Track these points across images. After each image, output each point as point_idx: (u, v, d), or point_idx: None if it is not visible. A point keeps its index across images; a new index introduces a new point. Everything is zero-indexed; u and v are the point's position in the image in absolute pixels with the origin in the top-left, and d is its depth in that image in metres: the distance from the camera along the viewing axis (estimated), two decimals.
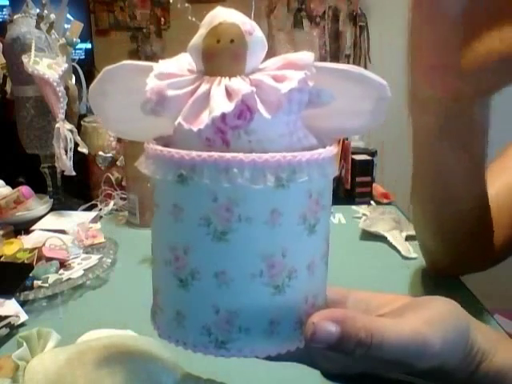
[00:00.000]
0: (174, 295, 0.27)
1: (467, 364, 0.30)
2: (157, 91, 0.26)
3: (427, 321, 0.28)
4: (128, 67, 0.29)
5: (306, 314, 0.27)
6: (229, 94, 0.25)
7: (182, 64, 0.28)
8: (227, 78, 0.26)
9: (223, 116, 0.25)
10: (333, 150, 0.27)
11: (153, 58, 2.80)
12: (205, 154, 0.24)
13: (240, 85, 0.25)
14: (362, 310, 0.32)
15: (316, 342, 0.26)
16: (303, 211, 0.26)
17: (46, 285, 0.60)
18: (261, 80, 0.26)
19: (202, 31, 0.27)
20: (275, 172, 0.25)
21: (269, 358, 0.28)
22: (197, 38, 0.27)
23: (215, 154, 0.24)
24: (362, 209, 0.94)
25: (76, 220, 0.80)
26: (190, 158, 0.25)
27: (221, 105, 0.24)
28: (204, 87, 0.26)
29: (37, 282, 0.61)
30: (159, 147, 0.26)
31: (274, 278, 0.26)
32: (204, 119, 0.25)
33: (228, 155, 0.24)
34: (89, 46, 2.37)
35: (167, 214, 0.27)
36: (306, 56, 0.27)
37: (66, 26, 0.92)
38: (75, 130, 0.84)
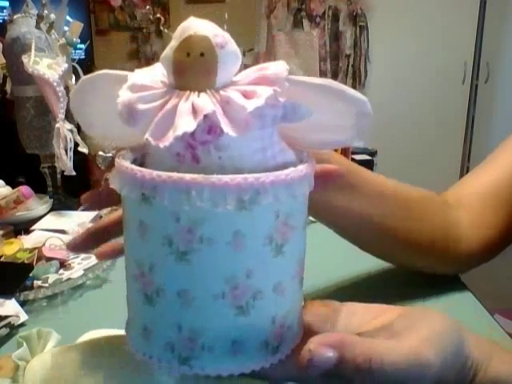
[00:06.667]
0: (140, 310, 0.27)
1: (463, 377, 0.30)
2: (127, 104, 0.25)
3: (426, 340, 0.28)
4: (105, 76, 0.29)
5: (274, 334, 0.27)
6: (195, 111, 0.24)
7: (156, 75, 0.27)
8: (196, 93, 0.25)
9: (192, 132, 0.24)
10: (306, 168, 0.26)
11: (153, 58, 2.80)
12: (164, 175, 0.24)
13: (205, 103, 0.24)
14: (355, 323, 0.31)
15: (313, 368, 0.25)
16: (269, 232, 0.25)
17: (46, 285, 0.60)
18: (229, 96, 0.25)
19: (173, 43, 0.26)
20: (236, 195, 0.24)
21: (266, 380, 0.28)
22: (168, 50, 0.26)
23: (174, 175, 0.24)
24: None
25: (76, 220, 0.80)
26: (151, 178, 0.24)
27: (184, 123, 0.24)
28: (172, 102, 0.25)
29: (37, 282, 0.61)
30: (124, 163, 0.26)
31: (237, 300, 0.25)
32: (169, 137, 0.24)
33: (188, 177, 0.23)
34: (89, 46, 2.38)
35: (134, 230, 0.26)
36: (280, 70, 0.26)
37: (65, 28, 0.92)
38: (75, 129, 0.84)
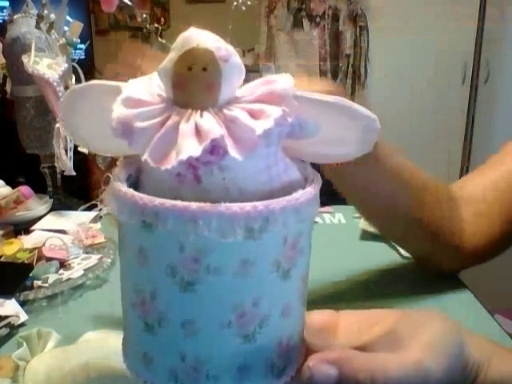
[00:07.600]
0: (140, 337, 0.26)
1: (464, 379, 0.30)
2: (123, 122, 0.24)
3: (428, 346, 0.28)
4: (96, 87, 0.28)
5: (281, 357, 0.27)
6: (198, 133, 0.23)
7: (153, 87, 0.26)
8: (198, 112, 0.23)
9: None
10: (314, 188, 0.25)
11: None
12: (168, 203, 0.22)
13: (211, 125, 0.23)
14: (355, 332, 0.31)
15: None
16: (277, 258, 0.24)
17: (46, 285, 0.60)
18: (235, 116, 0.23)
19: (172, 55, 0.24)
20: (245, 224, 0.22)
21: None
22: (167, 63, 0.24)
23: (180, 204, 0.22)
24: None
25: (76, 220, 0.80)
26: (153, 205, 0.23)
27: (188, 147, 0.22)
28: (173, 120, 0.23)
29: (37, 282, 0.61)
30: (123, 188, 0.24)
31: (243, 328, 0.25)
32: (171, 159, 0.23)
33: (194, 205, 0.22)
34: (89, 46, 2.38)
35: (133, 257, 0.25)
36: (288, 86, 0.25)
37: (65, 28, 0.92)
38: None
